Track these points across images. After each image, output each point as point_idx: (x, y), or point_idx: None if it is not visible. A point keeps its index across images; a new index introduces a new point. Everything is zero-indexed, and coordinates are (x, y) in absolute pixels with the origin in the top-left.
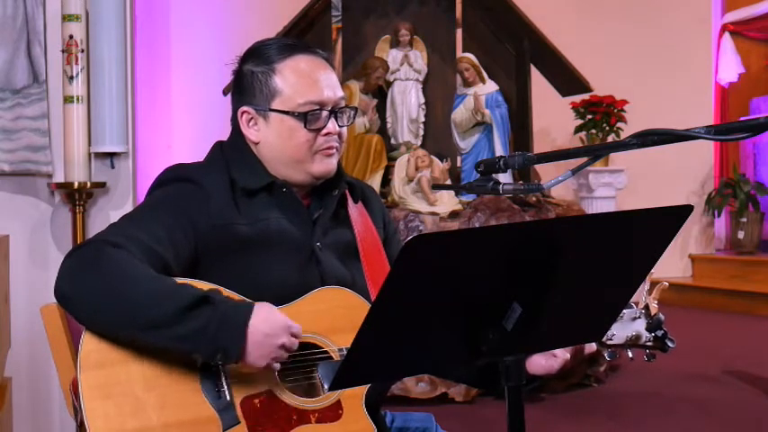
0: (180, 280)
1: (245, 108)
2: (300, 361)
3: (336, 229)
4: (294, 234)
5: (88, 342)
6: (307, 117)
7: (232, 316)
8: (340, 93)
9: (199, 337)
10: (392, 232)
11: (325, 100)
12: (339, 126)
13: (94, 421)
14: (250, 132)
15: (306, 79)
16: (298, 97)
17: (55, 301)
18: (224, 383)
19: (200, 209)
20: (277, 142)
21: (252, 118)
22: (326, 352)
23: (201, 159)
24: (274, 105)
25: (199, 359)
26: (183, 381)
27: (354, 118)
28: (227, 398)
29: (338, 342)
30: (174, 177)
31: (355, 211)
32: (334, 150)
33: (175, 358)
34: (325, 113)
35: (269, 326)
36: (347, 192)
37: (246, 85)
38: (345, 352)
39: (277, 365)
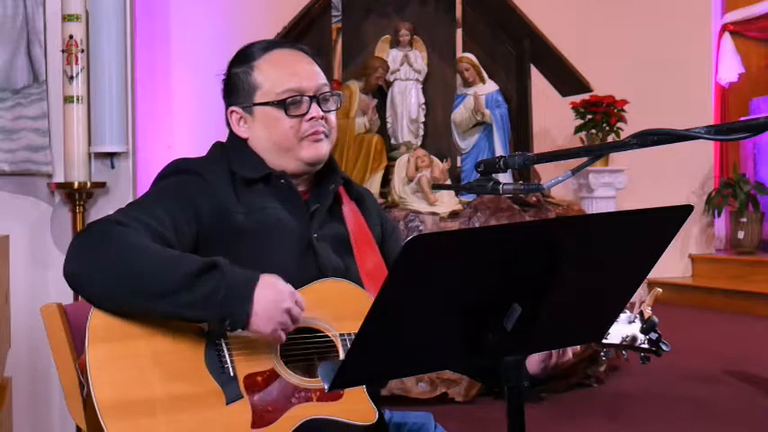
0: None
1: (232, 108)
2: (302, 344)
3: (331, 223)
4: (291, 224)
5: (96, 317)
6: (286, 104)
7: (240, 281)
8: (322, 80)
9: (207, 302)
10: (390, 231)
11: (303, 87)
12: (324, 111)
13: (101, 389)
14: (240, 130)
15: (283, 69)
16: (276, 87)
17: (55, 300)
18: (228, 360)
19: (203, 198)
20: (264, 134)
21: (240, 117)
22: (328, 336)
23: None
24: (256, 99)
25: (207, 326)
26: (188, 356)
27: (341, 103)
28: (231, 373)
29: (339, 328)
30: (177, 170)
31: (348, 208)
32: (322, 136)
33: (182, 334)
34: (306, 99)
35: (275, 291)
36: (343, 189)
37: (232, 87)
38: (347, 337)
39: (283, 336)
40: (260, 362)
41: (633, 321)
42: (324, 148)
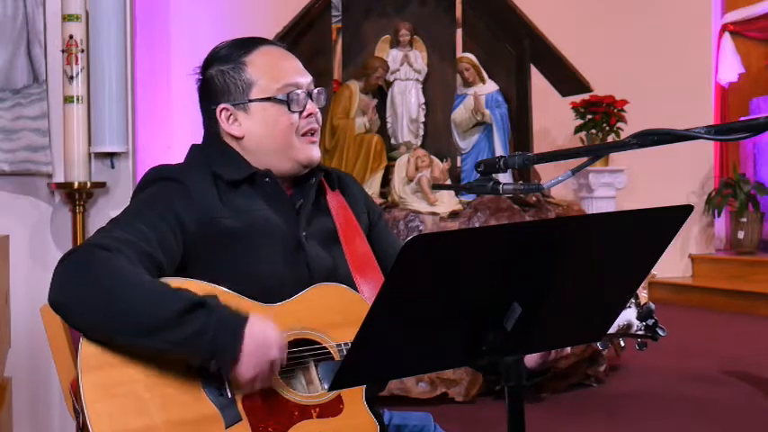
0: (176, 282)
1: (223, 106)
2: (299, 357)
3: (318, 218)
4: (279, 224)
5: (87, 344)
6: (289, 99)
7: (229, 321)
8: (309, 77)
9: (195, 340)
10: (377, 217)
11: (299, 83)
12: (317, 108)
13: (97, 422)
14: (232, 129)
15: (277, 65)
16: (274, 83)
17: None
18: (225, 381)
19: (185, 205)
20: (262, 131)
21: (231, 114)
22: (324, 347)
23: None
24: (253, 95)
25: (195, 363)
26: (184, 379)
27: (326, 99)
28: (229, 395)
29: (336, 338)
30: (157, 178)
31: (333, 198)
32: (317, 137)
33: (176, 358)
34: (303, 94)
35: (264, 337)
36: (324, 180)
37: (218, 85)
38: (343, 347)
39: (258, 386)
40: None
41: (629, 307)
42: (318, 151)
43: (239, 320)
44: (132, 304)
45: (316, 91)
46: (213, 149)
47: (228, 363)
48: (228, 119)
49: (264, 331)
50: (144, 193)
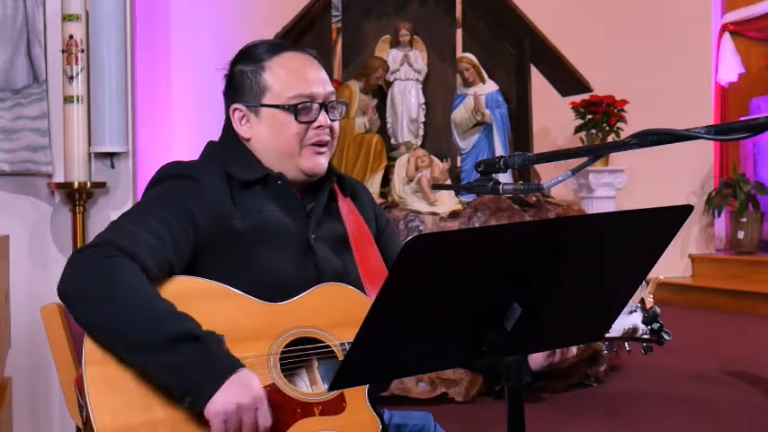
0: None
1: (236, 105)
2: (303, 355)
3: (329, 222)
4: (289, 226)
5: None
6: (297, 109)
7: (219, 366)
8: (330, 88)
9: (180, 371)
10: (384, 225)
11: (314, 93)
12: (331, 120)
13: (101, 416)
14: (242, 129)
15: (295, 74)
16: (287, 91)
17: (55, 300)
18: None
19: (197, 203)
20: (268, 136)
21: (243, 115)
22: (328, 346)
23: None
24: (265, 101)
25: (173, 392)
26: None
27: (345, 113)
28: None
29: (340, 336)
30: (170, 174)
31: (344, 204)
32: (325, 149)
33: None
34: (315, 106)
35: (245, 392)
36: (337, 186)
37: (237, 85)
38: (347, 346)
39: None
40: (260, 377)
41: (634, 311)
42: (324, 162)
43: (228, 368)
44: (132, 319)
45: (335, 102)
46: (229, 148)
47: (202, 403)
48: (241, 119)
49: (248, 385)
50: (157, 188)
